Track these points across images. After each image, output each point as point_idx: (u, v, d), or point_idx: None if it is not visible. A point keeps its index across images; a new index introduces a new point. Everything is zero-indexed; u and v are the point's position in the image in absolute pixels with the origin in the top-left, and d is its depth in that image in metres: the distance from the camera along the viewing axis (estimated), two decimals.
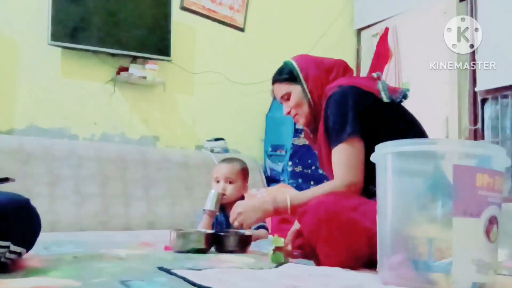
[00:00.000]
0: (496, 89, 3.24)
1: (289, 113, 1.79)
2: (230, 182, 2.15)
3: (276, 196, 1.68)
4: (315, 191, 1.60)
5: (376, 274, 1.21)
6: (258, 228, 2.12)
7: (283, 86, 1.77)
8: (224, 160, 2.29)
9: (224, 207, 2.14)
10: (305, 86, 1.72)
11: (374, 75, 1.71)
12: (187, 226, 2.67)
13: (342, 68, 1.75)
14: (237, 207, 1.71)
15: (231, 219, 1.73)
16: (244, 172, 2.23)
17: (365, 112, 1.57)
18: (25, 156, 2.72)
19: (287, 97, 1.77)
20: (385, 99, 1.61)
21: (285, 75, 1.76)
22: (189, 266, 1.31)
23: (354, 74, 1.84)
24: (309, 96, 1.71)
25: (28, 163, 2.71)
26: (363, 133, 1.55)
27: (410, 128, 1.65)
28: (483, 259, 1.04)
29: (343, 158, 1.55)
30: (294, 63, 1.75)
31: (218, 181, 2.18)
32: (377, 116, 1.59)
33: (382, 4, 4.03)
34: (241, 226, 1.70)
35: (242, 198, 2.23)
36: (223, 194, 2.04)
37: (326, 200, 1.43)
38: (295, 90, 1.74)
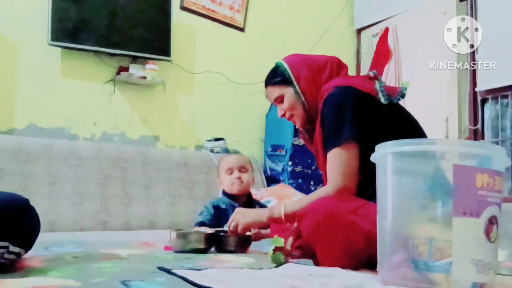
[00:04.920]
0: (496, 89, 3.24)
1: (283, 115, 1.78)
2: (244, 171, 2.18)
3: (273, 206, 1.70)
4: (309, 198, 1.61)
5: (376, 274, 1.21)
6: None
7: (275, 89, 1.75)
8: (233, 153, 2.35)
9: (236, 199, 2.18)
10: (297, 87, 1.69)
11: (371, 73, 1.67)
12: (187, 226, 2.67)
13: (336, 65, 1.71)
14: (235, 216, 1.74)
15: (229, 226, 1.75)
16: (251, 164, 2.30)
17: (363, 115, 1.55)
18: (25, 156, 2.72)
19: (280, 99, 1.75)
20: (383, 100, 1.58)
21: (277, 77, 1.73)
22: (189, 266, 1.31)
23: (354, 74, 1.82)
24: (303, 98, 1.69)
25: (28, 163, 2.71)
26: (360, 137, 1.53)
27: (409, 128, 1.64)
28: (483, 259, 1.04)
29: (337, 163, 1.54)
30: (285, 65, 1.72)
31: (231, 172, 2.19)
32: (375, 118, 1.56)
33: (382, 4, 4.03)
34: (236, 228, 1.72)
35: (249, 196, 2.26)
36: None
37: (325, 203, 1.43)
38: (288, 92, 1.72)
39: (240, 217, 1.71)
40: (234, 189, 2.18)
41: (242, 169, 2.20)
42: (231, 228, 1.73)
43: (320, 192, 1.58)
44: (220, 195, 2.31)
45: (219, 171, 2.28)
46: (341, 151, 1.53)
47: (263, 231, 2.03)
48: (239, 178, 2.17)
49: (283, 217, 1.62)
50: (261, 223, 1.73)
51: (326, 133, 1.59)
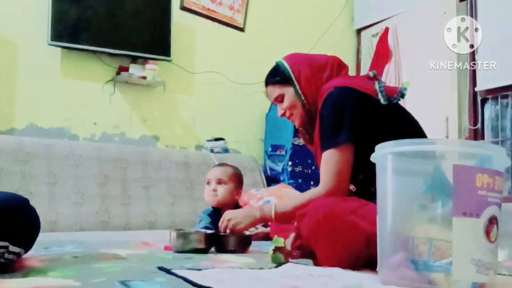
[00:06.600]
0: (496, 89, 3.24)
1: (283, 114, 1.78)
2: (222, 183, 2.17)
3: (264, 205, 1.74)
4: (300, 198, 1.63)
5: (376, 274, 1.21)
6: None
7: (276, 88, 1.75)
8: (217, 164, 2.33)
9: (220, 211, 2.15)
10: (297, 87, 1.70)
11: (371, 74, 1.67)
12: (187, 226, 2.67)
13: (336, 65, 1.72)
14: (227, 215, 1.76)
15: (221, 226, 1.76)
16: (236, 177, 2.23)
17: (362, 116, 1.55)
18: (25, 156, 2.72)
19: (280, 99, 1.75)
20: (383, 101, 1.58)
21: (278, 77, 1.74)
22: (189, 266, 1.31)
23: (354, 74, 1.83)
24: (303, 97, 1.70)
25: (28, 163, 2.71)
26: (357, 139, 1.54)
27: (409, 128, 1.64)
28: (483, 259, 1.04)
29: (331, 164, 1.55)
30: (286, 64, 1.73)
31: (208, 183, 2.20)
32: (374, 118, 1.57)
33: (382, 4, 4.03)
34: (232, 232, 1.74)
35: (236, 206, 2.23)
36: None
37: (325, 203, 1.43)
38: (288, 92, 1.72)
39: (234, 224, 1.73)
40: (209, 201, 2.19)
41: (218, 181, 2.18)
42: (222, 230, 1.76)
43: (311, 192, 1.61)
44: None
45: None
46: (336, 152, 1.54)
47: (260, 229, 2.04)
48: (214, 190, 2.16)
49: (273, 217, 1.66)
50: (255, 224, 1.77)
51: (323, 133, 1.60)
